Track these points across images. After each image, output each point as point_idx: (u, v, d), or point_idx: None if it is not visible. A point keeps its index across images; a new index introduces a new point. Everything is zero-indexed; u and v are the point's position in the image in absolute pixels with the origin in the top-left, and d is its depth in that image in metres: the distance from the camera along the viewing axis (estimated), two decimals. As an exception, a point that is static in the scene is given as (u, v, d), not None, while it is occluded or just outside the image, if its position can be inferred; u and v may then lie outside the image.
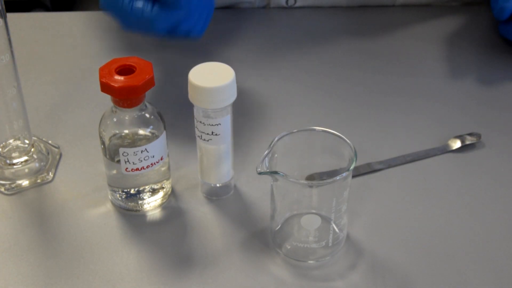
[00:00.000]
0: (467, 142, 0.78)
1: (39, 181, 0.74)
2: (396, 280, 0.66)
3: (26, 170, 0.74)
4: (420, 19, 0.97)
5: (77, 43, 0.94)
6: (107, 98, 0.66)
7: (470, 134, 0.79)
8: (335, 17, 0.97)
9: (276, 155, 0.65)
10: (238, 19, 0.97)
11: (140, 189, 0.71)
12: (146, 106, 0.67)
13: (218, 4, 0.98)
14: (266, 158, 0.63)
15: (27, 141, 0.74)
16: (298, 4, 0.98)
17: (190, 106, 0.68)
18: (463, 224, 0.70)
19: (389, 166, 0.76)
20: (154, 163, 0.68)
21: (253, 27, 0.96)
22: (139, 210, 0.71)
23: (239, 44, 0.93)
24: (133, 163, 0.67)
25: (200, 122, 0.67)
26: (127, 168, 0.68)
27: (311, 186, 0.65)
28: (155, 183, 0.71)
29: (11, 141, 0.74)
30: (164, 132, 0.68)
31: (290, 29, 0.96)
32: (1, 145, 0.74)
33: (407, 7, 0.99)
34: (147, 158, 0.68)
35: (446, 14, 0.98)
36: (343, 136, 0.65)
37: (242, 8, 0.99)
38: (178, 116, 0.80)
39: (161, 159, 0.69)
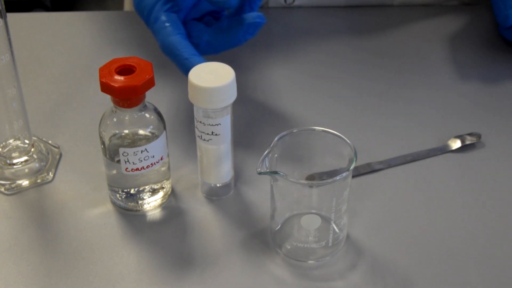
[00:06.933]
0: (467, 142, 0.78)
1: (39, 181, 0.74)
2: (396, 280, 0.65)
3: (26, 170, 0.74)
4: (418, 19, 0.97)
5: (77, 43, 0.94)
6: (107, 98, 0.66)
7: (470, 134, 0.79)
8: (334, 16, 0.97)
9: (276, 155, 0.65)
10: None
11: (140, 189, 0.71)
12: (146, 106, 0.67)
13: None
14: (266, 158, 0.63)
15: (27, 141, 0.74)
16: (296, 3, 0.98)
17: (190, 106, 0.68)
18: (463, 224, 0.70)
19: (389, 166, 0.76)
20: (154, 163, 0.68)
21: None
22: (139, 210, 0.71)
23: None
24: (133, 163, 0.67)
25: (200, 122, 0.67)
26: (127, 168, 0.68)
27: (311, 186, 0.65)
28: (155, 183, 0.71)
29: (11, 141, 0.74)
30: (164, 132, 0.68)
31: (290, 29, 0.96)
32: (1, 145, 0.74)
33: (405, 7, 0.99)
34: (147, 158, 0.67)
35: (445, 14, 0.98)
36: (343, 136, 0.65)
37: None
38: (178, 116, 0.80)
39: (161, 159, 0.69)
